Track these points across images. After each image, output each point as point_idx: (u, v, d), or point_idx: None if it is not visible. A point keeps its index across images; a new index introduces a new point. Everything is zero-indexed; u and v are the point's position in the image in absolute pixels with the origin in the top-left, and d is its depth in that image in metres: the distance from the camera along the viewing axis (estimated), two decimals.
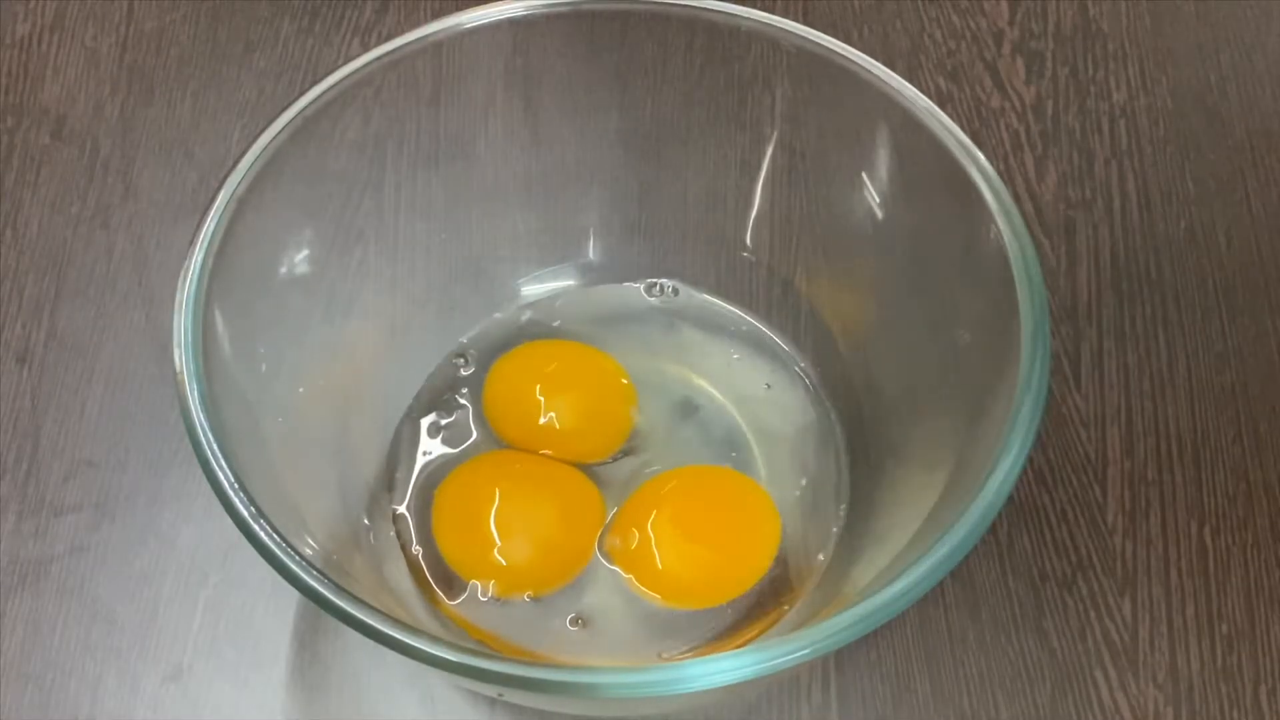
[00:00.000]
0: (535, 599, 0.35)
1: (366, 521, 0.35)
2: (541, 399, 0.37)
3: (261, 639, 0.36)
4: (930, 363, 0.34)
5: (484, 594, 0.34)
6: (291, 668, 0.36)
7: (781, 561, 0.35)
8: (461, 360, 0.39)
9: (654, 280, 0.40)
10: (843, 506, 0.36)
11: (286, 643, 0.36)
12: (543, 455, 0.37)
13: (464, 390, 0.38)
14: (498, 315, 0.40)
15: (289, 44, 0.48)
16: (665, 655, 0.34)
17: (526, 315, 0.40)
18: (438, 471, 0.37)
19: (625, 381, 0.38)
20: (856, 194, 0.36)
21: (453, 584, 0.35)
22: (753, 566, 0.35)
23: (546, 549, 0.35)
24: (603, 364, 0.38)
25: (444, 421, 0.38)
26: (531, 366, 0.38)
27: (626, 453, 0.37)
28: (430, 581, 0.35)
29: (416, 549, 0.35)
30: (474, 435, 0.37)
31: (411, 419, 0.38)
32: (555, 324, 0.40)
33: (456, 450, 0.37)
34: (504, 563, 0.34)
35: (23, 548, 0.38)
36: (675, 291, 0.40)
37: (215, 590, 0.37)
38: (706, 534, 0.35)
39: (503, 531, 0.35)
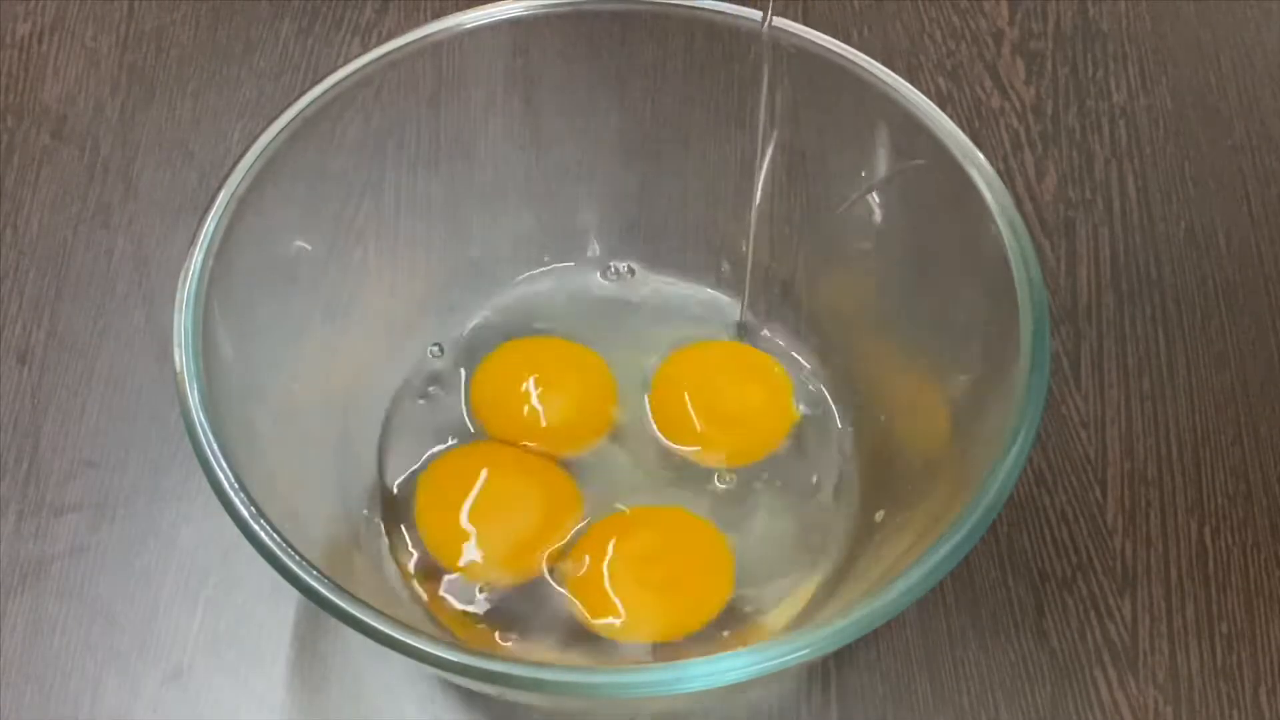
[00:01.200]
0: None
1: (366, 521, 0.35)
2: (524, 394, 0.37)
3: (261, 639, 0.36)
4: (930, 363, 0.34)
5: (480, 592, 0.34)
6: (291, 667, 0.36)
7: (781, 561, 0.35)
8: (460, 361, 0.39)
9: (609, 263, 0.40)
10: (842, 507, 0.36)
11: (286, 642, 0.36)
12: (525, 447, 0.37)
13: (463, 390, 0.38)
14: (496, 315, 0.40)
15: (289, 44, 0.48)
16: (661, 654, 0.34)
17: (524, 314, 0.40)
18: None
19: (607, 376, 0.38)
20: (856, 194, 0.36)
21: (450, 583, 0.35)
22: (700, 613, 0.34)
23: (519, 535, 0.35)
24: (586, 359, 0.39)
25: (441, 420, 0.38)
26: (515, 363, 0.38)
27: (610, 444, 0.37)
28: (427, 581, 0.35)
29: (414, 549, 0.35)
30: (469, 432, 0.37)
31: (410, 418, 0.38)
32: (551, 323, 0.40)
33: (450, 447, 0.37)
34: (478, 548, 0.34)
35: (23, 548, 0.38)
36: (631, 272, 0.40)
37: (215, 590, 0.37)
38: (653, 582, 0.34)
39: (475, 519, 0.35)
